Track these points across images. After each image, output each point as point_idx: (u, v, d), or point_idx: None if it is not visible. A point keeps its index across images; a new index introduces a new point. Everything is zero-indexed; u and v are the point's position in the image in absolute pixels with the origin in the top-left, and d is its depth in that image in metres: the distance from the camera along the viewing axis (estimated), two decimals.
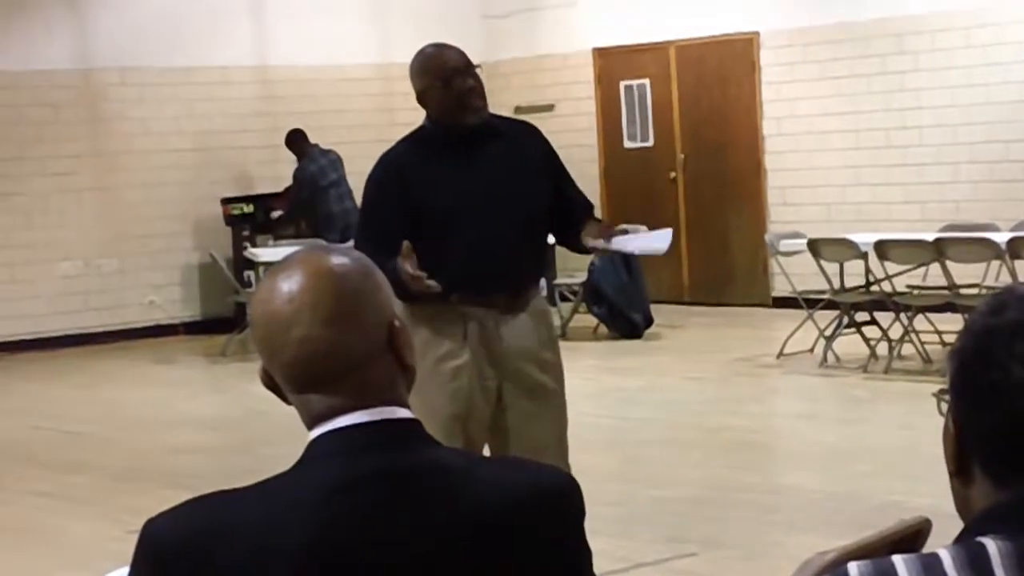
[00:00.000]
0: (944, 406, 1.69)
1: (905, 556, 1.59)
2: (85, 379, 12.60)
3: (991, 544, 1.57)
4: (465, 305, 5.05)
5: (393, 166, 5.10)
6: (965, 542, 1.59)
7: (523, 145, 5.21)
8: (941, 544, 1.61)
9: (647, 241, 5.32)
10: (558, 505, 1.92)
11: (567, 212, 5.23)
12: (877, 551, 1.65)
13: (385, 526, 1.83)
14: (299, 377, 1.90)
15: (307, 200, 13.80)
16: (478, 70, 5.13)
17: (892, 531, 1.78)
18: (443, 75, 5.03)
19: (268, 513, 1.83)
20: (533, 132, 5.32)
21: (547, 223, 5.22)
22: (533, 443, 5.00)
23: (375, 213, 5.09)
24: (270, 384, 1.95)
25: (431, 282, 4.71)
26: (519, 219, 5.06)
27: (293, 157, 14.10)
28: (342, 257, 1.94)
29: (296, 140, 14.09)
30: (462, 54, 5.12)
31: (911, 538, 1.78)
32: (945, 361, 1.68)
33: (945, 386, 1.70)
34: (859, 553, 1.65)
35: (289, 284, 1.90)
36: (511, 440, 5.08)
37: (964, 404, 1.62)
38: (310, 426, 1.91)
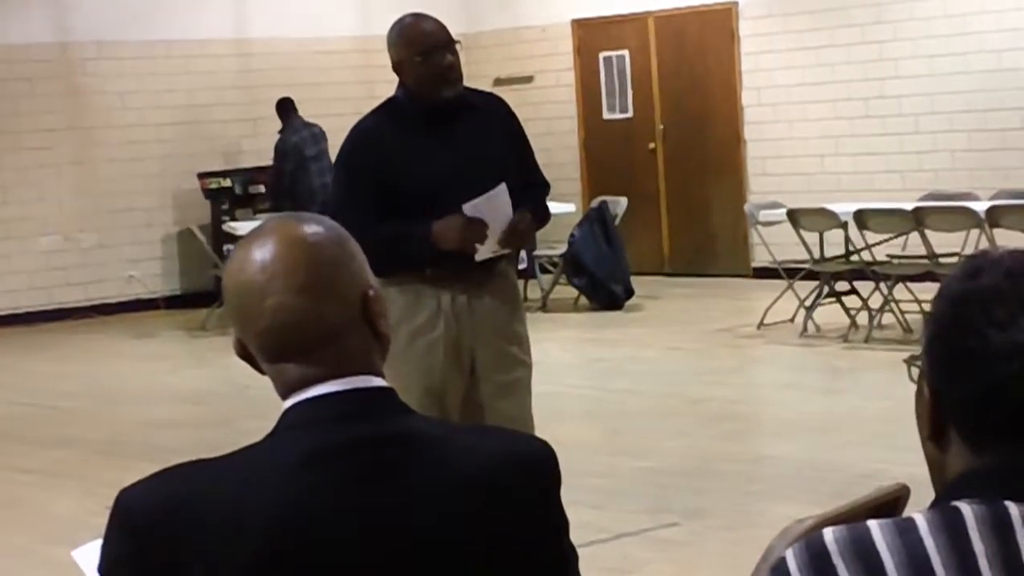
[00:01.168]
0: (916, 372, 1.69)
1: (880, 521, 1.59)
2: (65, 354, 12.57)
3: (966, 508, 1.57)
4: (439, 279, 5.03)
5: (366, 139, 5.06)
6: (940, 506, 1.59)
7: (494, 118, 5.16)
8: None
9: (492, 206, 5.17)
10: (535, 473, 1.92)
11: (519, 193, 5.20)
12: (856, 518, 1.65)
13: (360, 495, 1.82)
14: (273, 346, 1.89)
15: (292, 171, 13.68)
16: (457, 45, 5.08)
17: (870, 498, 1.78)
18: (422, 49, 4.96)
19: (241, 483, 1.82)
20: (502, 105, 5.26)
21: (517, 195, 5.18)
22: (507, 415, 4.99)
23: (353, 187, 5.05)
24: (244, 354, 1.94)
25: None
26: (489, 190, 5.02)
27: (273, 130, 14.02)
28: (315, 225, 1.93)
29: (283, 108, 13.95)
30: (442, 28, 5.05)
31: (890, 505, 1.78)
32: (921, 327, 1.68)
33: (916, 352, 1.70)
34: (837, 520, 1.65)
35: (262, 253, 1.89)
36: (486, 412, 5.07)
37: (941, 370, 1.62)
38: (284, 395, 1.90)
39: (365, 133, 5.09)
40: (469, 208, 4.94)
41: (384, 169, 4.96)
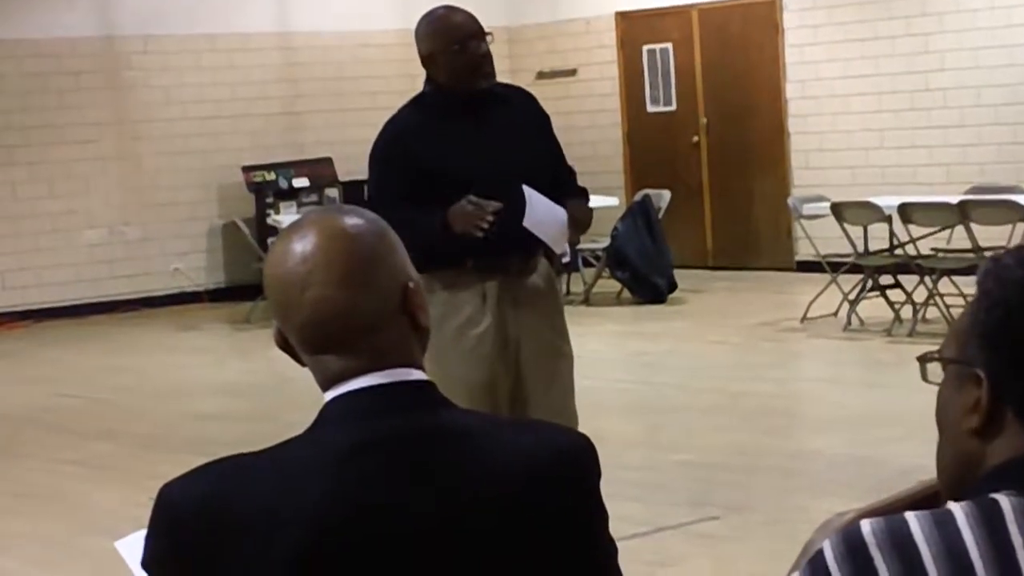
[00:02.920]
0: (931, 373, 1.70)
1: (918, 513, 1.59)
2: (110, 347, 12.64)
3: (1004, 500, 1.57)
4: (481, 269, 5.03)
5: (398, 133, 5.03)
6: (979, 498, 1.59)
7: (523, 111, 5.15)
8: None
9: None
10: (574, 466, 1.92)
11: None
12: (896, 511, 1.65)
13: (399, 488, 1.83)
14: (313, 338, 1.90)
15: None
16: (488, 37, 5.09)
17: (911, 492, 1.78)
18: (458, 39, 4.95)
19: (282, 476, 1.83)
20: (531, 99, 5.25)
21: (551, 186, 5.16)
22: (550, 407, 4.97)
23: (383, 180, 5.05)
24: (284, 345, 1.94)
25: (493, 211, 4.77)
26: (528, 181, 4.98)
27: (316, 124, 14.06)
28: (356, 218, 1.93)
29: None
30: (474, 19, 5.05)
31: (930, 499, 1.78)
32: (974, 315, 1.68)
33: (931, 350, 1.71)
34: (877, 512, 1.65)
35: (303, 245, 1.89)
36: (529, 404, 5.06)
37: (1009, 354, 1.63)
38: (324, 388, 1.91)
39: (395, 126, 5.06)
40: (528, 222, 4.93)
41: (414, 163, 4.93)
